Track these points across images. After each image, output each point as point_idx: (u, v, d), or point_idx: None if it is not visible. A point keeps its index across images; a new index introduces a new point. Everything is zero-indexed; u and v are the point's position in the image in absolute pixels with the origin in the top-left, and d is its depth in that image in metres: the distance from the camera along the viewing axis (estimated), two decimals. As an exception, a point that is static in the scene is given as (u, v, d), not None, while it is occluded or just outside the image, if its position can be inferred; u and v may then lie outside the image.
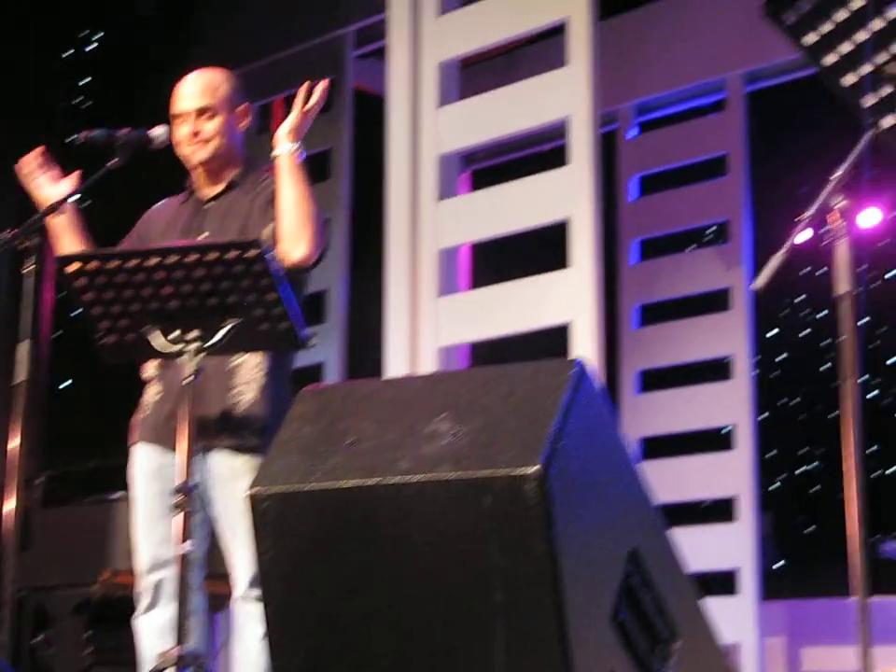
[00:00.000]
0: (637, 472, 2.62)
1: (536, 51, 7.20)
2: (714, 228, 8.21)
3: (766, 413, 8.42)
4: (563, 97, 5.50)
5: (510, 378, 2.35)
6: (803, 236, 2.99)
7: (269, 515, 2.46)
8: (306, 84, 3.68)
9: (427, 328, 5.78)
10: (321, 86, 3.68)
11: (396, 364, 5.81)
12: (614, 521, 2.44)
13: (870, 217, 7.97)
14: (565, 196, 5.44)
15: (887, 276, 8.90)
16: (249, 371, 3.63)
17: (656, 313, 7.71)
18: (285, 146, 3.66)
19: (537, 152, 7.76)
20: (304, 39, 7.48)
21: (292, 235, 3.59)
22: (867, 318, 8.39)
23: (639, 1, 7.65)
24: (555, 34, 5.78)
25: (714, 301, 7.44)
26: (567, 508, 2.20)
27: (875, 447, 8.77)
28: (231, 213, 3.78)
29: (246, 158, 3.91)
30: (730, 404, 7.16)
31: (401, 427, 2.41)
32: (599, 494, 2.36)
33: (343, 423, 2.50)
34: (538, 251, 6.45)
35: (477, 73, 7.06)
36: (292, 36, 7.56)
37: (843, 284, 2.77)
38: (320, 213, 3.69)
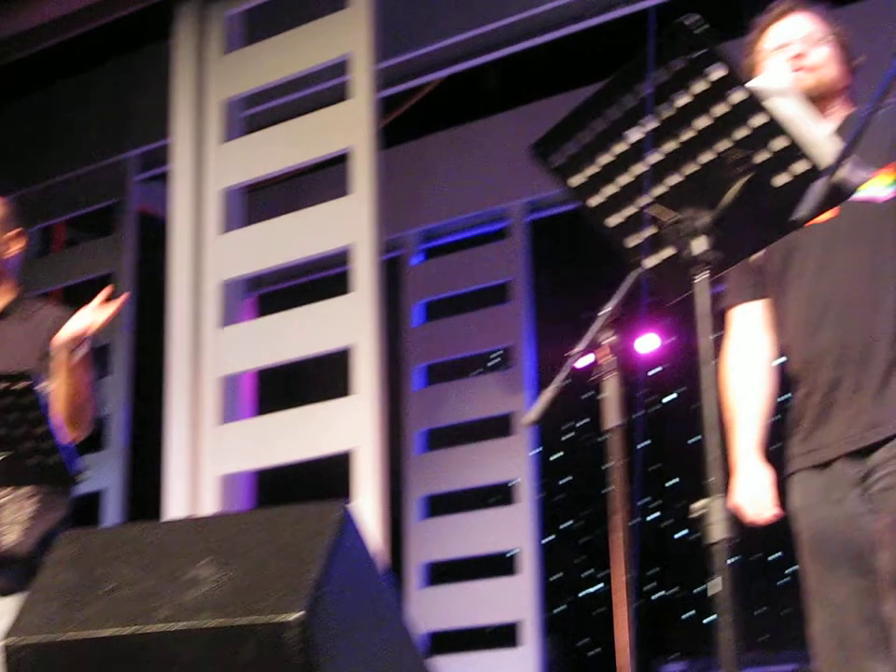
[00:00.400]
0: (402, 617, 2.59)
1: (322, 178, 7.24)
2: (499, 353, 8.33)
3: (551, 537, 8.52)
4: (346, 225, 5.53)
5: (273, 522, 2.32)
6: (583, 362, 3.04)
7: (24, 666, 2.35)
8: (103, 295, 3.59)
9: (208, 455, 5.69)
10: (110, 309, 3.58)
11: (176, 492, 5.69)
12: (378, 668, 2.40)
13: (648, 344, 8.21)
14: (348, 323, 5.45)
15: (665, 400, 9.15)
16: (13, 511, 3.50)
17: (441, 437, 7.75)
18: (61, 353, 3.56)
19: (325, 277, 7.78)
20: (88, 162, 7.39)
21: (66, 421, 3.51)
22: (647, 442, 8.60)
23: (424, 131, 7.78)
24: (341, 161, 5.82)
25: (498, 426, 7.52)
26: (330, 655, 2.16)
27: (655, 569, 8.93)
28: (3, 342, 3.67)
29: (20, 284, 3.81)
30: (514, 528, 7.21)
31: (162, 573, 2.34)
32: (363, 640, 2.33)
33: (102, 569, 2.43)
34: (324, 377, 6.42)
35: (263, 198, 7.06)
36: (76, 159, 7.46)
37: (612, 418, 2.82)
38: (94, 393, 3.62)
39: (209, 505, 5.59)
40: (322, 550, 2.17)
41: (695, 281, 2.31)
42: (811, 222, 3.13)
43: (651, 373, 9.07)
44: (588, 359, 3.00)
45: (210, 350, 5.79)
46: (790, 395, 3.35)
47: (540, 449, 7.52)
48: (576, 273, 8.17)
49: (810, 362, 3.23)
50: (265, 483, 6.21)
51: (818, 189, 2.03)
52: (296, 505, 2.35)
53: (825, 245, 3.23)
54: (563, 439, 9.53)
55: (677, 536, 9.00)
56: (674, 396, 9.13)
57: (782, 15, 3.43)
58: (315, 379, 6.80)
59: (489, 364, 8.70)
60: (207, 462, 5.69)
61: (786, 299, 3.31)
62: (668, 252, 2.45)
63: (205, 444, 5.71)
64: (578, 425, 9.40)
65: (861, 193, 3.13)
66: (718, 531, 2.26)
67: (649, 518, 8.99)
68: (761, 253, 3.33)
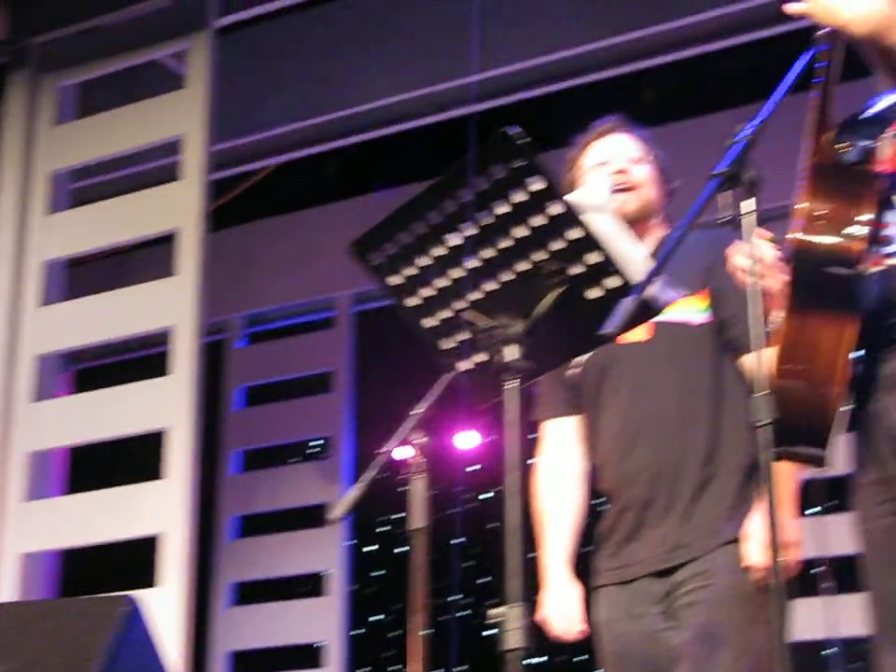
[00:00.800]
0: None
1: (147, 256, 7.15)
2: (318, 442, 8.28)
3: (360, 630, 8.44)
4: (168, 306, 5.47)
5: (57, 614, 2.25)
6: (402, 454, 3.04)
7: None
8: None
9: (11, 532, 5.52)
10: None
11: (-24, 569, 5.50)
12: None
13: (467, 441, 8.25)
14: (165, 405, 5.37)
15: (482, 497, 9.18)
16: None
17: (255, 524, 7.65)
18: None
19: (147, 355, 7.66)
20: None
21: None
22: (462, 539, 8.61)
23: (255, 215, 7.77)
24: (168, 240, 5.76)
25: (314, 516, 7.46)
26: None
27: (464, 666, 8.90)
28: None
29: None
30: (323, 619, 7.14)
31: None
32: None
33: None
34: (137, 458, 6.30)
35: (87, 273, 6.94)
36: None
37: (417, 519, 2.81)
38: None
39: (9, 584, 5.42)
40: (104, 645, 2.11)
41: (505, 388, 2.33)
42: (625, 340, 3.23)
43: (469, 470, 9.10)
44: (406, 452, 3.00)
45: (21, 424, 5.64)
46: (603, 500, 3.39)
47: (354, 541, 7.47)
48: (401, 367, 8.16)
49: (623, 481, 3.28)
50: (70, 565, 6.05)
51: (626, 304, 2.07)
52: (81, 597, 2.29)
53: (640, 365, 3.29)
54: (377, 531, 9.50)
55: (485, 634, 9.00)
56: (491, 494, 9.18)
57: (604, 133, 3.50)
58: (129, 459, 6.66)
59: (308, 453, 8.65)
60: (9, 539, 5.51)
61: (600, 417, 3.35)
62: (481, 357, 2.47)
63: (9, 521, 5.54)
64: (393, 517, 9.38)
65: (677, 316, 3.21)
66: (514, 639, 2.26)
67: (459, 615, 8.97)
68: (577, 369, 3.39)
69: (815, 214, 2.43)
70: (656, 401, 3.25)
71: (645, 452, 3.24)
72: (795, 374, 2.41)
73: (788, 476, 3.07)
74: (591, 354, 3.26)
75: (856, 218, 2.41)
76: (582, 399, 3.41)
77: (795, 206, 2.47)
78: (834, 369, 2.40)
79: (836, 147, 2.45)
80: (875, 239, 2.47)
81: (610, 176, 3.33)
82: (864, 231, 2.40)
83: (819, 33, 2.41)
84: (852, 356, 2.41)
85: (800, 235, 2.41)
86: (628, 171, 3.40)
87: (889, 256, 2.49)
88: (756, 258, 2.35)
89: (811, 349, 2.41)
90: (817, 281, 2.41)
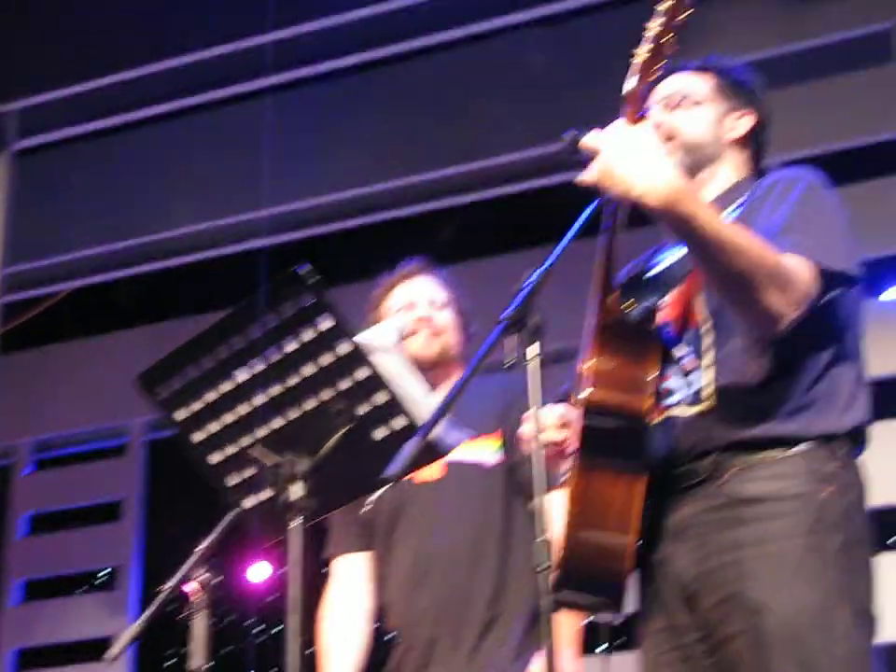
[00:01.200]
0: None
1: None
2: (106, 573, 8.06)
3: None
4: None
5: None
6: (188, 588, 2.98)
7: None
8: None
9: None
10: None
11: None
12: None
13: (260, 573, 8.13)
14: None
15: (273, 631, 9.02)
16: None
17: (35, 658, 7.37)
18: None
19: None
20: None
21: None
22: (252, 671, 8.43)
23: (48, 339, 7.62)
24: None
25: (99, 649, 7.22)
26: None
27: None
28: None
29: None
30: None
31: None
32: None
33: None
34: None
35: None
36: None
37: (197, 658, 2.75)
38: None
39: None
40: None
41: (290, 526, 2.31)
42: (417, 479, 3.25)
43: (262, 603, 8.95)
44: (190, 588, 2.95)
45: None
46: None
47: (138, 673, 7.24)
48: (192, 498, 8.04)
49: (410, 620, 3.27)
50: None
51: (412, 445, 2.07)
52: None
53: (432, 505, 3.30)
54: (165, 665, 9.23)
55: None
56: (282, 627, 9.01)
57: (409, 276, 3.54)
58: None
59: (96, 583, 8.40)
60: None
61: (391, 555, 3.35)
62: (266, 495, 2.45)
63: None
64: (182, 651, 9.13)
65: (470, 456, 3.24)
66: None
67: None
68: (369, 507, 3.38)
69: (603, 371, 2.49)
70: (445, 542, 3.26)
71: (432, 591, 3.24)
72: (587, 525, 2.45)
73: (573, 619, 3.10)
74: (384, 492, 3.27)
75: (642, 376, 2.49)
76: (374, 536, 3.40)
77: (583, 363, 2.54)
78: (626, 522, 2.45)
79: (621, 305, 2.52)
80: (659, 392, 2.54)
81: (415, 322, 3.37)
82: (650, 387, 2.47)
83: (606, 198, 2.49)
84: (640, 507, 2.46)
85: (588, 393, 2.47)
86: (432, 317, 3.44)
87: (669, 407, 2.56)
88: (541, 427, 2.41)
89: (603, 502, 2.46)
90: (607, 436, 2.46)
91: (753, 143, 2.78)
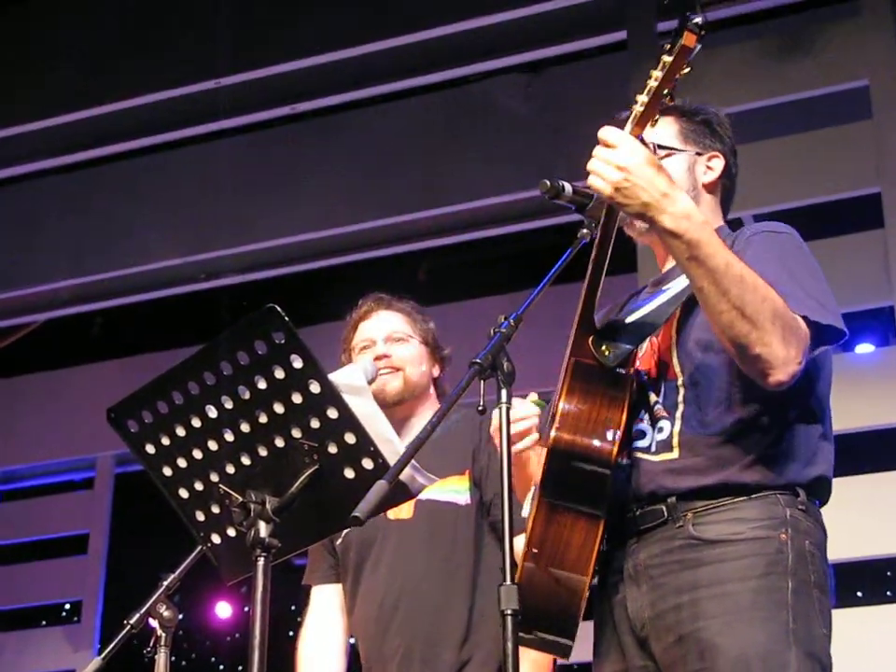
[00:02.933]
0: None
1: None
2: (70, 606, 8.00)
3: None
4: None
5: None
6: (152, 622, 2.96)
7: None
8: None
9: None
10: None
11: None
12: None
13: (225, 610, 8.10)
14: None
15: (240, 668, 8.95)
16: None
17: (-5, 692, 7.31)
18: None
19: None
20: None
21: None
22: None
23: (16, 371, 7.61)
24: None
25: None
26: None
27: None
28: None
29: None
30: None
31: None
32: None
33: None
34: None
35: None
36: None
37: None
38: None
39: None
40: None
41: (256, 564, 2.30)
42: (388, 517, 3.23)
43: (226, 640, 8.91)
44: (154, 623, 2.93)
45: None
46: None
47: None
48: (159, 533, 8.00)
49: (378, 659, 3.25)
50: None
51: (379, 487, 2.07)
52: None
53: (400, 544, 3.28)
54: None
55: None
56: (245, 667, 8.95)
57: (369, 312, 3.53)
58: None
59: (63, 615, 8.33)
60: None
61: (359, 590, 3.33)
62: (232, 532, 2.43)
63: None
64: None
65: (440, 496, 3.23)
66: None
67: None
68: (341, 540, 3.38)
69: (572, 413, 2.49)
70: (413, 582, 3.24)
71: (401, 631, 3.22)
72: (545, 565, 2.45)
73: (543, 662, 3.08)
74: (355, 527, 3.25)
75: (611, 421, 2.49)
76: (345, 569, 3.39)
77: (554, 402, 2.54)
78: (584, 563, 2.45)
79: (598, 349, 2.52)
80: (629, 434, 2.55)
81: (373, 362, 3.34)
82: (618, 433, 2.48)
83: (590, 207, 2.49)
84: (598, 549, 2.46)
85: (556, 433, 2.47)
86: (390, 354, 3.43)
87: (638, 450, 2.57)
88: (514, 418, 2.41)
89: (561, 542, 2.46)
90: (570, 477, 2.46)
91: (722, 185, 2.78)
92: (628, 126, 2.44)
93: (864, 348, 6.08)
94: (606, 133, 2.41)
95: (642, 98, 2.44)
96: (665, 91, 2.42)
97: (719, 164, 2.76)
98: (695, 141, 2.75)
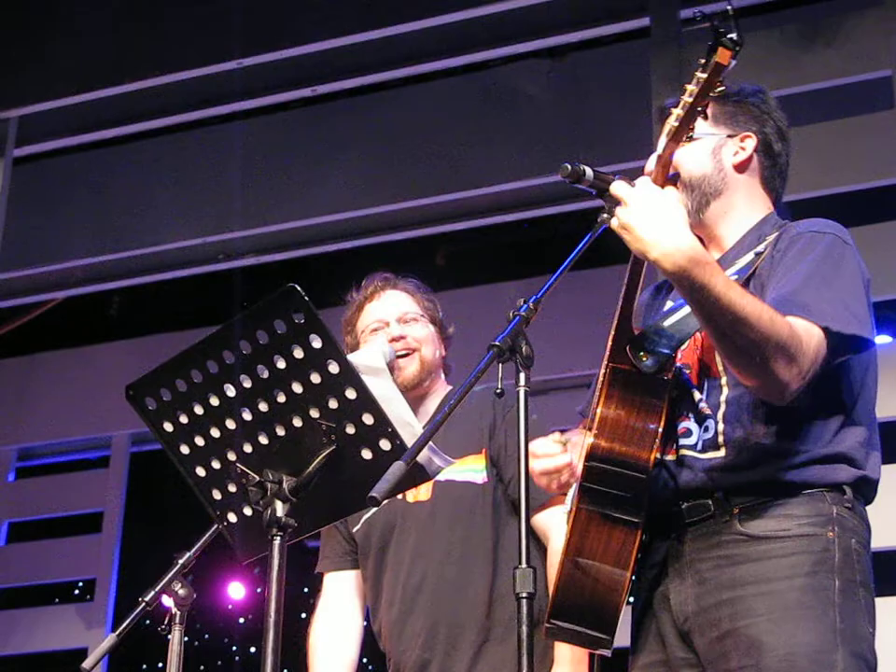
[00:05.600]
0: None
1: None
2: (83, 584, 8.03)
3: None
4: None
5: None
6: (166, 601, 2.97)
7: None
8: None
9: None
10: None
11: None
12: None
13: (239, 591, 8.11)
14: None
15: (252, 650, 8.98)
16: None
17: (9, 666, 7.34)
18: None
19: None
20: None
21: None
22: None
23: (36, 348, 7.62)
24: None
25: (71, 661, 7.19)
26: None
27: None
28: None
29: None
30: None
31: None
32: None
33: None
34: None
35: None
36: None
37: (174, 671, 2.74)
38: None
39: None
40: None
41: (272, 543, 2.30)
42: (407, 499, 3.24)
43: (240, 619, 8.92)
44: (169, 601, 2.94)
45: None
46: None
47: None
48: (174, 512, 8.03)
49: (401, 643, 3.25)
50: None
51: (397, 468, 2.07)
52: None
53: (420, 527, 3.28)
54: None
55: None
56: (258, 646, 8.97)
57: (377, 292, 3.50)
58: None
59: (76, 593, 8.37)
60: None
61: (384, 575, 3.33)
62: (249, 511, 2.44)
63: None
64: (159, 666, 9.09)
65: (457, 475, 3.24)
66: None
67: None
68: (360, 525, 3.38)
69: (610, 419, 2.50)
70: (435, 563, 3.25)
71: (422, 616, 3.22)
72: (585, 561, 2.46)
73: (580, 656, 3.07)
74: (375, 512, 3.26)
75: (649, 427, 2.50)
76: (366, 555, 3.39)
77: (592, 408, 2.54)
78: (624, 559, 2.46)
79: (636, 355, 2.53)
80: (674, 432, 2.55)
81: (389, 343, 3.33)
82: (656, 440, 2.48)
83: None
84: (638, 549, 2.47)
85: (594, 439, 2.48)
86: (406, 335, 3.42)
87: (685, 447, 2.57)
88: (552, 469, 2.47)
89: (601, 543, 2.47)
90: (607, 484, 2.47)
91: (760, 163, 2.78)
92: (662, 141, 2.47)
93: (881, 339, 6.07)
94: (615, 188, 2.43)
95: (677, 112, 2.45)
96: (699, 106, 2.43)
97: (751, 144, 2.76)
98: (726, 123, 2.76)
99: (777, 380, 2.37)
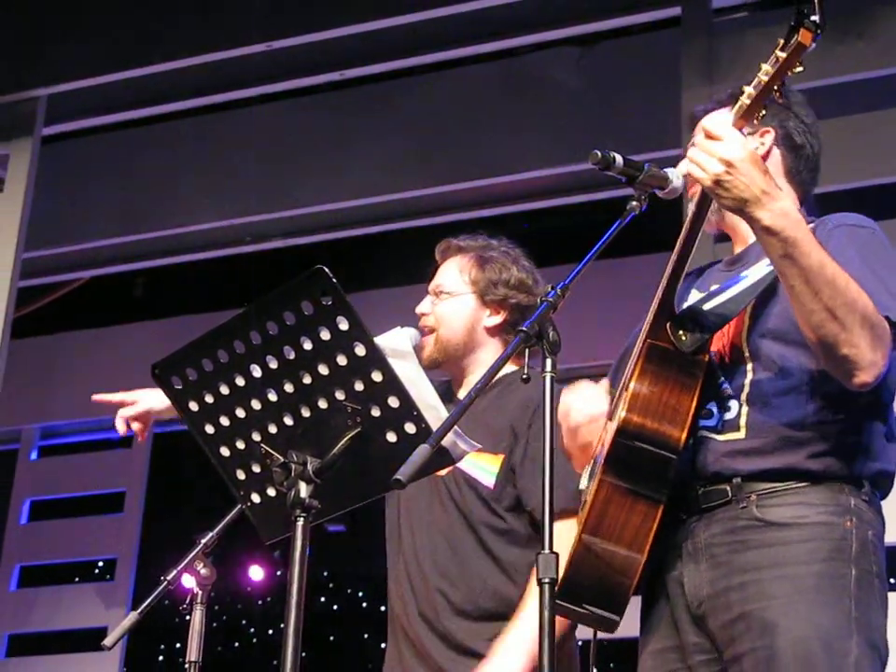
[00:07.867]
0: None
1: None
2: (104, 563, 8.07)
3: None
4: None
5: None
6: (187, 581, 2.98)
7: None
8: None
9: None
10: None
11: None
12: None
13: (260, 573, 8.15)
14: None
15: (270, 632, 9.03)
16: None
17: (28, 644, 7.38)
18: None
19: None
20: None
21: None
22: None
23: (61, 327, 7.64)
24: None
25: (95, 638, 7.22)
26: None
27: None
28: None
29: None
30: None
31: None
32: None
33: None
34: None
35: None
36: None
37: (193, 651, 2.75)
38: None
39: None
40: None
41: (296, 525, 2.31)
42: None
43: (260, 603, 8.96)
44: (190, 581, 2.95)
45: None
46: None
47: (125, 669, 7.25)
48: (196, 493, 8.07)
49: (416, 616, 3.24)
50: None
51: (422, 451, 2.08)
52: None
53: (430, 503, 3.28)
54: (159, 659, 9.26)
55: None
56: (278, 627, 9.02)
57: (441, 261, 3.48)
58: None
59: (96, 572, 8.42)
60: None
61: (400, 550, 3.32)
62: (272, 491, 2.44)
63: None
64: (177, 646, 9.14)
65: (472, 471, 3.21)
66: None
67: None
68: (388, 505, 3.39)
69: (644, 395, 2.49)
70: (442, 538, 3.22)
71: (414, 589, 3.22)
72: (601, 540, 2.46)
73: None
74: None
75: (683, 406, 2.49)
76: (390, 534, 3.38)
77: (625, 382, 2.54)
78: (641, 542, 2.46)
79: (675, 333, 2.52)
80: (698, 414, 2.54)
81: (421, 323, 3.32)
82: (689, 419, 2.48)
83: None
84: (656, 530, 2.47)
85: (626, 413, 2.47)
86: (428, 313, 3.40)
87: (704, 428, 2.57)
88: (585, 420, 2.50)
89: (619, 520, 2.47)
90: (635, 460, 2.47)
91: (783, 157, 2.76)
92: (731, 117, 2.43)
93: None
94: (711, 122, 2.41)
95: (749, 90, 2.42)
96: (773, 87, 2.41)
97: (769, 138, 2.75)
98: (746, 119, 2.73)
99: (864, 354, 2.35)
